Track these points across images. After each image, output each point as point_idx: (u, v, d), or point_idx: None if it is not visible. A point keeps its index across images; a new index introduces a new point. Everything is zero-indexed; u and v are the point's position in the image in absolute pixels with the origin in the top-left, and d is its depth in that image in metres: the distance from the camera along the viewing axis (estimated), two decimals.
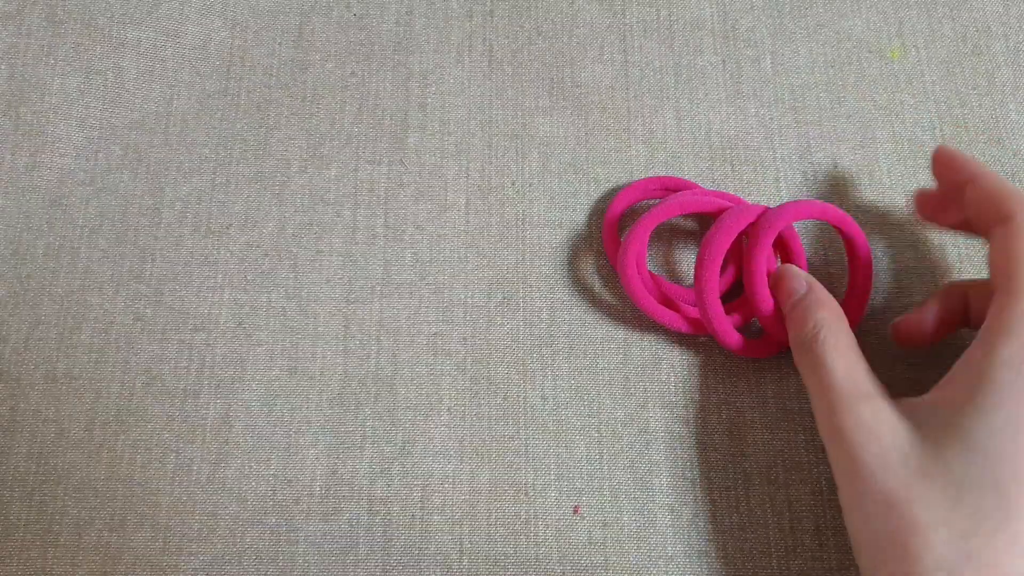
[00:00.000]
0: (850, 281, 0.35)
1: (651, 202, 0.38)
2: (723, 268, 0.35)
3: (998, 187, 0.30)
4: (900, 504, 0.26)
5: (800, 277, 0.33)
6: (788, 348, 0.33)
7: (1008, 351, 0.26)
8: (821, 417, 0.30)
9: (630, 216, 0.37)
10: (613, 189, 0.38)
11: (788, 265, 0.34)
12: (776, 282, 0.33)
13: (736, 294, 0.36)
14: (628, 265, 0.34)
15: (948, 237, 0.37)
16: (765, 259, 0.33)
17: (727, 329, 0.33)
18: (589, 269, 0.37)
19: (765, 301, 0.33)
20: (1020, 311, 0.27)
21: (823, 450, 0.34)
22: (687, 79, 0.40)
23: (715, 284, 0.33)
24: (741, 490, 0.33)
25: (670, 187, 0.37)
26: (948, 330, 0.33)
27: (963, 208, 0.31)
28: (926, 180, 0.39)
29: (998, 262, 0.29)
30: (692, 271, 0.36)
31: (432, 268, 0.37)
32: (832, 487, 0.33)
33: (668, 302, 0.35)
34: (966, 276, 0.37)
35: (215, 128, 0.39)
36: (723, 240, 0.33)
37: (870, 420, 0.28)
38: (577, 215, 0.38)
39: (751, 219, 0.34)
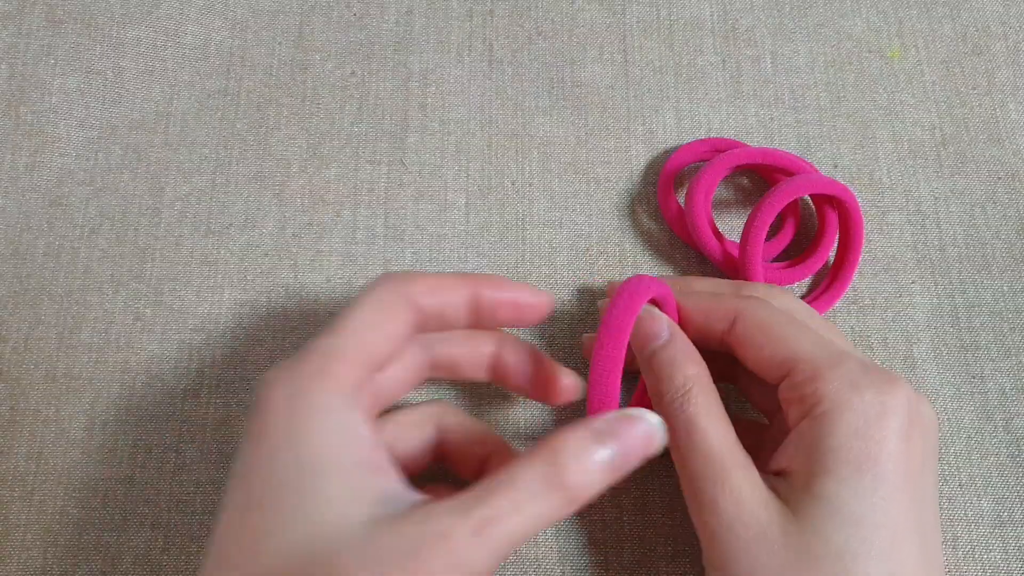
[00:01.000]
0: (838, 258, 0.36)
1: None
2: (778, 230, 0.37)
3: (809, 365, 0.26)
4: None
5: (661, 321, 0.29)
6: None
7: (849, 422, 0.25)
8: (692, 487, 0.26)
9: (681, 178, 0.38)
10: (659, 156, 0.38)
11: (648, 307, 0.29)
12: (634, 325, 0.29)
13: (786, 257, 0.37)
14: (698, 192, 0.35)
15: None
16: (764, 231, 0.34)
17: (758, 276, 0.34)
18: (589, 269, 0.37)
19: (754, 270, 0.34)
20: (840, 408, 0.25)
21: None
22: (687, 79, 0.40)
23: (762, 234, 0.34)
24: None
25: (719, 147, 0.38)
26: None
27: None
28: (926, 180, 0.39)
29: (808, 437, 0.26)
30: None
31: (432, 268, 0.37)
32: None
33: (719, 237, 0.36)
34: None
35: (215, 128, 0.39)
36: (781, 198, 0.34)
37: (747, 494, 0.25)
38: (577, 215, 0.38)
39: (814, 187, 0.34)
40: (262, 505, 0.23)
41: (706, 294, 0.31)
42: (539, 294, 0.29)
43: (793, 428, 0.27)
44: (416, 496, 0.24)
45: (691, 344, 0.29)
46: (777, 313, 0.28)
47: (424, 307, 0.27)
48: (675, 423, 0.27)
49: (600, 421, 0.25)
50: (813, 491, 0.25)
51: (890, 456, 0.25)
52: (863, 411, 0.25)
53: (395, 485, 0.24)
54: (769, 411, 0.31)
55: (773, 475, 0.27)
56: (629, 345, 0.28)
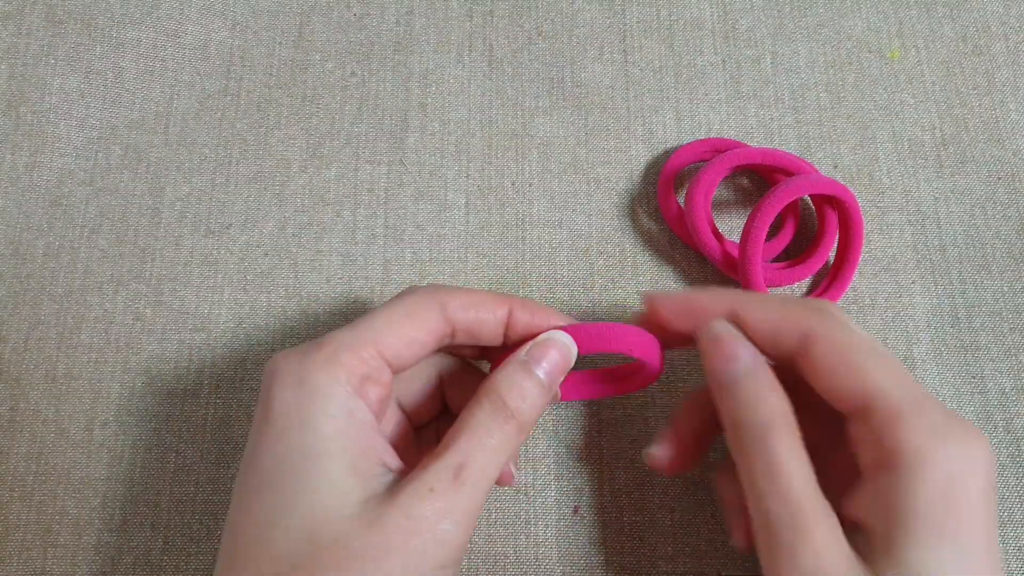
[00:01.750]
0: (838, 258, 0.36)
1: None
2: (778, 230, 0.37)
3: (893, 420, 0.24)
4: None
5: (742, 342, 0.27)
6: None
7: (934, 481, 0.24)
8: (767, 530, 0.24)
9: (680, 179, 0.38)
10: (659, 156, 0.38)
11: (726, 324, 0.28)
12: (709, 341, 0.27)
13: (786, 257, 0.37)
14: (698, 192, 0.35)
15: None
16: (765, 230, 0.34)
17: (757, 276, 0.34)
18: (589, 269, 0.37)
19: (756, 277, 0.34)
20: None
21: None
22: (687, 79, 0.40)
23: (762, 234, 0.34)
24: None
25: (719, 148, 0.38)
26: (707, 444, 0.30)
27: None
28: (926, 180, 0.39)
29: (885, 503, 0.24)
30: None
31: (432, 268, 0.37)
32: None
33: (719, 237, 0.36)
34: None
35: (215, 128, 0.39)
36: (781, 198, 0.34)
37: (829, 548, 0.23)
38: (577, 215, 0.38)
39: (815, 187, 0.35)
40: (272, 488, 0.24)
41: (774, 301, 0.28)
42: (565, 319, 0.29)
43: (866, 471, 0.25)
44: (406, 469, 0.26)
45: (772, 371, 0.26)
46: (857, 337, 0.26)
47: (457, 321, 0.28)
48: (753, 457, 0.25)
49: (522, 352, 0.27)
50: (895, 556, 0.23)
51: (973, 523, 0.24)
52: (947, 468, 0.24)
53: (392, 462, 0.26)
54: (824, 436, 0.29)
55: (848, 524, 0.25)
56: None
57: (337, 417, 0.25)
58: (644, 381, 0.30)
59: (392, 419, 0.29)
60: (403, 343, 0.27)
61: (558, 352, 0.28)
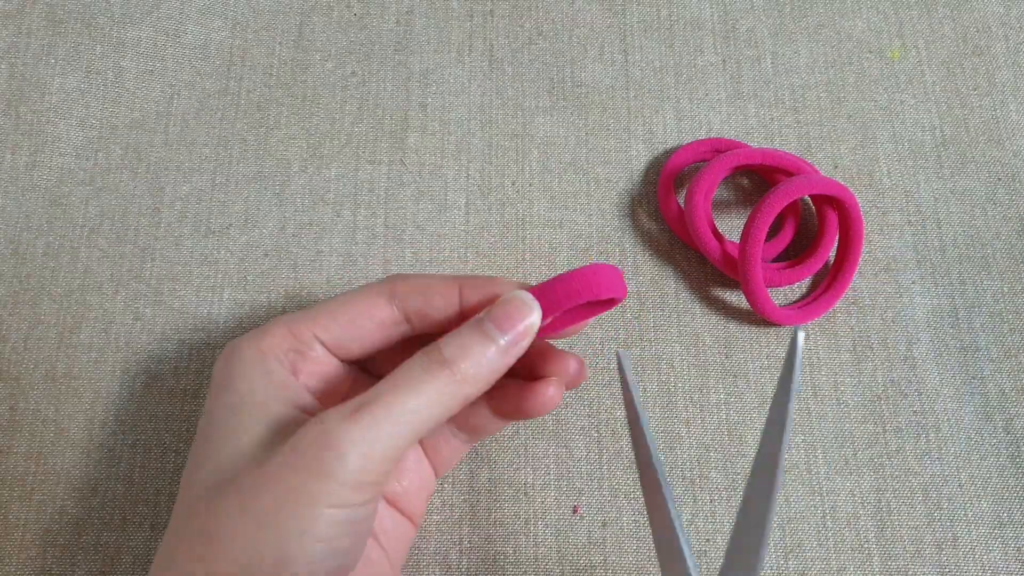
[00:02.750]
0: (838, 258, 0.36)
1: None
2: (778, 230, 0.37)
3: None
4: None
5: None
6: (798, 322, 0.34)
7: None
8: None
9: (680, 178, 0.38)
10: (659, 156, 0.38)
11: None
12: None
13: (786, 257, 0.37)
14: (698, 192, 0.35)
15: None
16: (765, 228, 0.34)
17: (757, 276, 0.34)
18: None
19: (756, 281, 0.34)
20: None
21: (820, 451, 0.34)
22: (687, 79, 0.40)
23: (762, 234, 0.34)
24: (740, 490, 0.33)
25: (720, 148, 0.38)
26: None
27: None
28: (926, 180, 0.39)
29: None
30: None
31: (432, 268, 0.37)
32: (834, 487, 0.33)
33: (719, 237, 0.36)
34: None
35: (215, 128, 0.39)
36: (781, 198, 0.34)
37: None
38: (577, 215, 0.38)
39: (814, 188, 0.35)
40: (202, 438, 0.26)
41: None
42: (515, 285, 0.28)
43: None
44: None
45: None
46: None
47: (409, 307, 0.28)
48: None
49: (480, 313, 0.26)
50: None
51: None
52: None
53: (313, 413, 0.26)
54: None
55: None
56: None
57: (252, 378, 0.26)
58: (611, 305, 0.29)
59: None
60: (339, 324, 0.28)
61: (516, 309, 0.26)
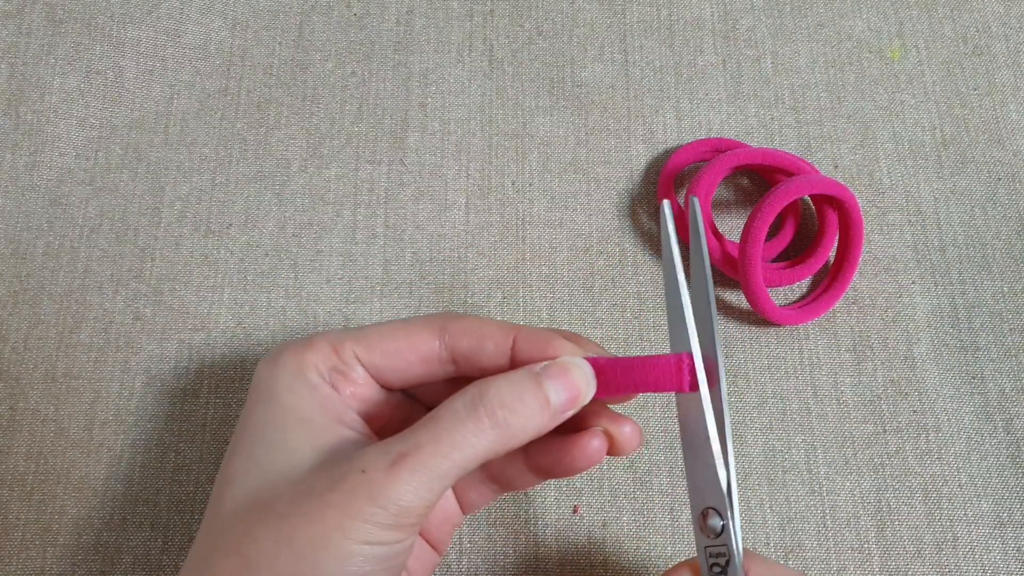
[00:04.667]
0: (838, 258, 0.36)
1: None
2: (778, 230, 0.37)
3: None
4: None
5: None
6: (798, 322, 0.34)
7: None
8: None
9: (680, 178, 0.38)
10: (659, 156, 0.38)
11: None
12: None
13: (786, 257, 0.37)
14: (698, 192, 0.35)
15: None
16: (765, 229, 0.34)
17: (757, 276, 0.34)
18: (589, 269, 0.37)
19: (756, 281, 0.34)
20: None
21: (820, 451, 0.34)
22: (687, 79, 0.40)
23: (762, 234, 0.34)
24: (740, 490, 0.33)
25: (720, 148, 0.38)
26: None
27: None
28: (926, 180, 0.39)
29: None
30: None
31: (432, 268, 0.37)
32: (834, 487, 0.33)
33: (719, 237, 0.36)
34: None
35: (215, 128, 0.39)
36: (781, 198, 0.34)
37: None
38: (577, 215, 0.38)
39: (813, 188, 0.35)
40: (238, 451, 0.25)
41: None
42: (577, 351, 0.27)
43: None
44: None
45: None
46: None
47: (458, 347, 0.27)
48: None
49: (538, 365, 0.25)
50: None
51: None
52: None
53: (356, 436, 0.26)
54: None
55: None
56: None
57: (298, 392, 0.25)
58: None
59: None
60: (383, 352, 0.26)
61: (576, 377, 0.25)
